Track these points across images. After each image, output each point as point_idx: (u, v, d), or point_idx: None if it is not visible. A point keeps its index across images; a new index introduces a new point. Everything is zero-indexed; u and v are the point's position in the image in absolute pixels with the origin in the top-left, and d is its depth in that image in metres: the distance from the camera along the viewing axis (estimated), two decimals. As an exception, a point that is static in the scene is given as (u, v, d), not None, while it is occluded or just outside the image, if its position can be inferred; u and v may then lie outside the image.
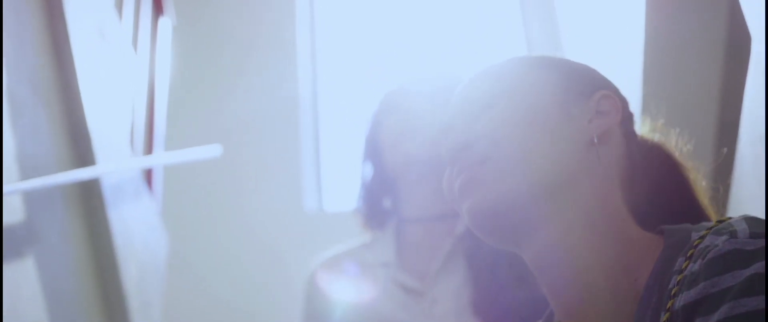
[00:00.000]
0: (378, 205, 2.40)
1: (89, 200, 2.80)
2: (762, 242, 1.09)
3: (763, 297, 1.04)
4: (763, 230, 1.11)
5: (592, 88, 1.33)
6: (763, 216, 1.34)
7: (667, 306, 1.13)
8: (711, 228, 1.16)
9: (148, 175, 3.35)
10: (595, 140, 1.28)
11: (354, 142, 4.77)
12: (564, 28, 4.86)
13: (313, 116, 4.95)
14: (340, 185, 4.95)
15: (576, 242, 1.24)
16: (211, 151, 3.44)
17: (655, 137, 1.41)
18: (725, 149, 2.19)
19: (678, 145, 1.42)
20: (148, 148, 3.31)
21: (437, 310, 2.25)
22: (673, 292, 1.13)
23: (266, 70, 4.79)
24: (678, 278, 1.14)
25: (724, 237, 1.11)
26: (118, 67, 3.09)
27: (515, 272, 2.19)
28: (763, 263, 1.06)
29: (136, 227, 3.02)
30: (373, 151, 2.38)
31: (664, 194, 1.35)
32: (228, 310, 4.41)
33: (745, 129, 2.17)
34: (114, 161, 2.90)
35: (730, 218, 1.18)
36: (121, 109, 3.09)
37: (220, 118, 4.57)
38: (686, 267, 1.13)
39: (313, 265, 2.42)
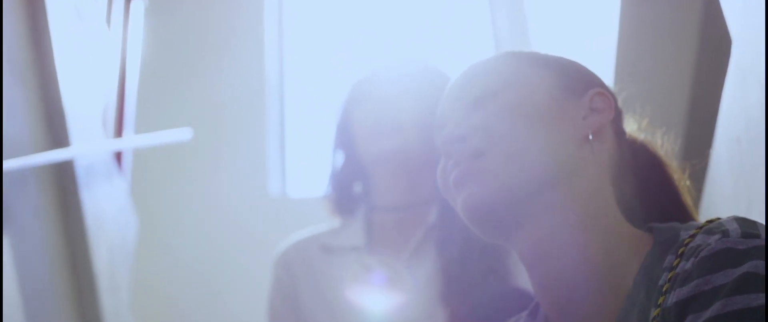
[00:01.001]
0: (348, 192, 2.39)
1: (62, 180, 2.80)
2: (754, 242, 1.12)
3: (754, 295, 1.08)
4: (754, 230, 1.15)
5: (586, 86, 1.35)
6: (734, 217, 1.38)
7: (658, 302, 1.17)
8: (701, 227, 1.19)
9: (117, 156, 3.34)
10: (590, 137, 1.30)
11: (319, 128, 4.80)
12: (532, 18, 4.90)
13: (279, 102, 4.95)
14: (304, 171, 4.96)
15: (567, 237, 1.26)
16: (181, 134, 3.44)
17: (641, 136, 1.44)
18: (710, 151, 2.23)
19: (663, 144, 1.45)
20: (119, 130, 3.30)
21: (406, 299, 2.25)
22: (664, 289, 1.17)
23: (233, 55, 4.79)
24: (669, 276, 1.17)
25: (717, 236, 1.15)
26: (93, 48, 3.09)
27: (486, 264, 2.21)
28: (755, 262, 1.10)
29: (108, 208, 3.02)
30: (344, 141, 2.37)
31: (650, 193, 1.38)
32: (192, 292, 4.41)
33: (721, 131, 2.21)
34: (87, 142, 2.89)
35: (719, 218, 1.21)
36: (96, 90, 3.09)
37: (186, 102, 4.57)
38: (677, 265, 1.17)
39: (280, 247, 2.42)
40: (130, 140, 3.14)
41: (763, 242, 1.12)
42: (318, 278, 2.34)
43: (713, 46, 2.89)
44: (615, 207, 1.30)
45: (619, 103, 1.42)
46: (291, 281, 2.35)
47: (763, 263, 1.10)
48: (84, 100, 2.95)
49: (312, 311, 2.32)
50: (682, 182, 1.43)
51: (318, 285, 2.33)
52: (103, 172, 2.99)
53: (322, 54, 5.15)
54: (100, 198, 2.96)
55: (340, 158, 2.39)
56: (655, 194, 1.39)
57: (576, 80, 1.36)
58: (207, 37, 4.76)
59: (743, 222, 1.17)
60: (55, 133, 2.75)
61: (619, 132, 1.38)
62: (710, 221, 1.21)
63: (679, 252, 1.18)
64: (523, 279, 2.23)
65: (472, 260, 2.22)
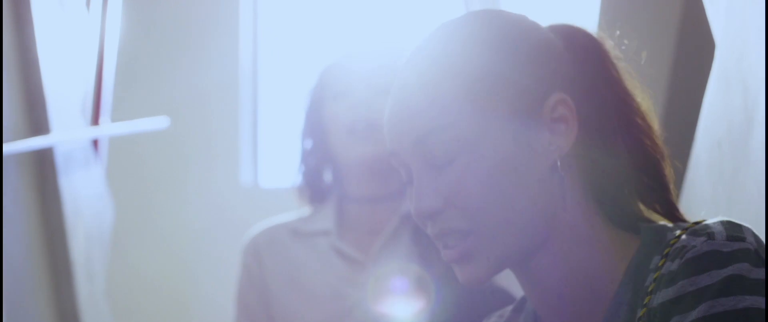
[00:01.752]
0: (318, 181, 2.41)
1: (42, 167, 2.80)
2: (739, 245, 1.14)
3: (739, 298, 1.10)
4: (739, 233, 1.16)
5: (540, 97, 1.24)
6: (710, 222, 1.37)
7: (644, 302, 1.19)
8: (687, 228, 1.20)
9: (94, 143, 3.34)
10: (558, 164, 1.23)
11: (292, 120, 4.79)
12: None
13: (252, 93, 4.95)
14: (275, 161, 4.97)
15: (555, 266, 1.26)
16: (159, 122, 3.44)
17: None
18: (690, 153, 2.26)
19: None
20: (95, 117, 3.30)
21: (380, 287, 2.27)
22: (650, 289, 1.18)
23: (208, 45, 4.79)
24: (655, 276, 1.19)
25: (702, 238, 1.16)
26: (74, 35, 3.08)
27: None
28: (740, 265, 1.12)
29: (85, 195, 3.02)
30: (316, 133, 2.37)
31: (646, 195, 1.32)
32: (164, 280, 4.41)
33: (701, 134, 2.24)
34: (67, 129, 2.89)
35: (704, 220, 1.22)
36: (76, 76, 3.08)
37: (160, 90, 4.56)
38: (663, 265, 1.18)
39: (248, 234, 2.42)
40: (108, 128, 3.13)
41: (748, 245, 1.15)
42: (287, 262, 2.35)
43: (692, 50, 2.92)
44: (596, 214, 1.27)
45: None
46: (259, 268, 2.36)
47: (747, 265, 1.12)
48: (65, 86, 2.95)
49: (282, 296, 2.33)
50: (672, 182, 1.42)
51: (288, 270, 2.34)
52: (81, 159, 2.99)
53: (297, 45, 5.15)
54: (78, 185, 2.96)
55: (310, 148, 2.40)
56: (650, 196, 1.33)
57: (527, 97, 1.24)
58: (182, 26, 4.75)
59: (728, 225, 1.18)
60: (36, 120, 2.75)
61: (593, 131, 1.27)
62: (696, 223, 1.22)
63: (665, 253, 1.19)
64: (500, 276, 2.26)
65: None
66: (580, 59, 1.28)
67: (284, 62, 5.14)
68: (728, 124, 2.11)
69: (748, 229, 1.18)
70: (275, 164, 4.93)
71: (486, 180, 1.21)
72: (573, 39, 1.30)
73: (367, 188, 2.35)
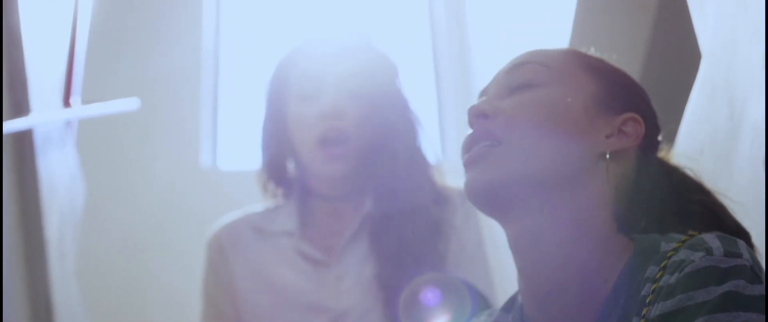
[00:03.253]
0: (282, 175, 2.39)
1: (20, 147, 2.79)
2: (736, 262, 1.19)
3: (735, 314, 1.16)
4: (736, 249, 1.22)
5: (624, 107, 1.39)
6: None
7: (642, 313, 1.23)
8: (683, 241, 1.26)
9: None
10: (607, 156, 1.35)
11: (252, 103, 4.80)
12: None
13: (213, 75, 4.95)
14: (235, 144, 4.97)
15: (556, 237, 1.32)
16: (129, 104, 3.45)
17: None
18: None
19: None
20: (66, 98, 3.29)
21: (343, 286, 2.29)
22: (648, 300, 1.23)
23: (171, 27, 4.77)
24: (653, 287, 1.23)
25: (700, 253, 1.21)
26: (54, 15, 3.08)
27: (422, 252, 2.26)
28: (737, 281, 1.17)
29: (60, 176, 3.02)
30: (278, 130, 2.36)
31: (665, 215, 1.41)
32: (123, 260, 4.40)
33: (682, 141, 2.29)
34: (45, 110, 2.89)
35: (698, 232, 1.27)
36: (55, 56, 3.08)
37: (122, 71, 4.54)
38: (660, 277, 1.23)
39: (212, 229, 2.43)
40: (80, 110, 3.13)
41: (744, 262, 1.20)
42: (252, 261, 2.35)
43: (662, 57, 2.99)
44: (610, 220, 1.35)
45: (661, 135, 1.47)
46: (225, 263, 2.36)
47: (743, 282, 1.17)
48: (44, 66, 2.94)
49: (248, 294, 2.33)
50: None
51: (253, 269, 2.34)
52: (58, 139, 2.99)
53: (259, 27, 5.15)
54: (54, 165, 2.96)
55: (272, 145, 2.37)
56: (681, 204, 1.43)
57: (618, 99, 1.40)
58: (145, 7, 4.73)
59: (725, 240, 1.23)
60: (17, 100, 2.74)
61: (647, 158, 1.42)
62: (691, 235, 1.27)
63: (662, 265, 1.24)
64: (462, 271, 2.29)
65: (408, 248, 2.26)
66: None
67: (246, 45, 5.14)
68: (712, 132, 2.16)
69: (743, 244, 1.24)
70: (235, 146, 4.94)
71: (541, 109, 1.34)
72: None
73: (330, 188, 2.36)
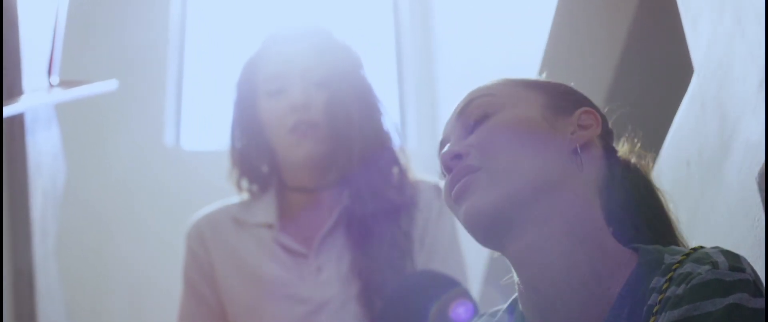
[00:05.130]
0: (256, 171, 2.45)
1: (10, 127, 2.80)
2: (740, 276, 1.28)
3: None
4: (739, 264, 1.30)
5: (574, 105, 1.50)
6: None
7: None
8: (687, 254, 1.34)
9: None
10: (578, 150, 1.44)
11: (216, 83, 4.83)
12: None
13: (179, 54, 4.96)
14: (198, 124, 5.00)
15: (555, 245, 1.39)
16: (108, 85, 3.47)
17: (632, 159, 1.59)
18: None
19: (650, 167, 1.61)
20: (49, 76, 3.29)
21: (322, 277, 2.34)
22: (655, 310, 1.31)
23: (138, 5, 4.77)
24: (660, 298, 1.31)
25: (707, 267, 1.29)
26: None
27: (399, 246, 2.32)
28: (741, 294, 1.26)
29: (45, 154, 3.03)
30: (250, 127, 2.41)
31: (639, 211, 1.52)
32: (83, 239, 4.41)
33: (668, 152, 2.36)
34: (36, 90, 2.91)
35: (702, 247, 1.37)
36: (41, 36, 3.09)
37: (86, 48, 4.53)
38: (667, 288, 1.31)
39: (191, 219, 2.47)
40: (65, 93, 3.14)
41: (747, 276, 1.28)
42: (233, 251, 2.40)
43: (634, 65, 3.08)
44: (603, 222, 1.43)
45: (610, 124, 1.57)
46: (205, 253, 2.41)
47: (747, 295, 1.26)
48: (33, 46, 2.95)
49: (229, 283, 2.38)
50: (668, 204, 1.58)
51: (233, 259, 2.39)
52: (44, 119, 3.01)
53: (225, 7, 5.17)
54: (40, 144, 2.98)
55: (245, 143, 2.43)
56: (643, 213, 1.52)
57: (565, 101, 1.50)
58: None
59: (728, 255, 1.32)
60: (9, 81, 2.75)
61: (609, 148, 1.52)
62: (694, 249, 1.36)
63: (668, 276, 1.32)
64: (438, 262, 2.34)
65: (384, 241, 2.32)
66: None
67: (212, 24, 5.16)
68: (700, 145, 2.24)
69: (745, 259, 1.32)
70: (198, 126, 4.97)
71: (506, 130, 1.43)
72: None
73: (307, 180, 2.42)
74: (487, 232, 1.42)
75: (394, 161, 2.39)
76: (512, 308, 1.52)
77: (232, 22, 5.11)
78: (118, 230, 4.51)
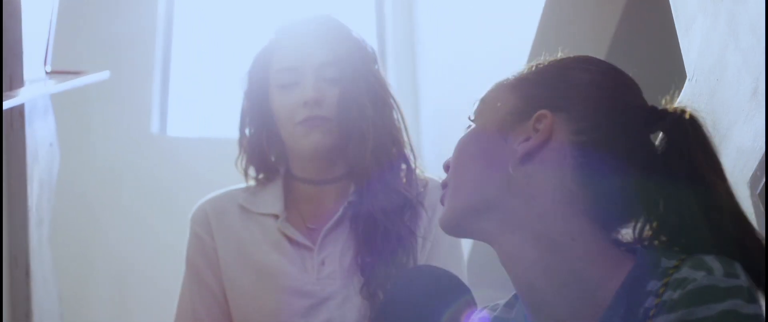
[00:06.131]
0: (265, 158, 2.43)
1: (9, 116, 2.82)
2: (734, 282, 1.30)
3: None
4: (734, 270, 1.32)
5: (533, 108, 1.47)
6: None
7: None
8: (682, 259, 1.36)
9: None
10: (519, 161, 1.44)
11: (202, 70, 4.86)
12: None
13: (166, 42, 4.98)
14: (184, 111, 5.03)
15: (526, 253, 1.43)
16: (101, 76, 3.50)
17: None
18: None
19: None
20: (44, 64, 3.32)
21: (325, 271, 2.32)
22: (651, 313, 1.33)
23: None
24: (656, 301, 1.33)
25: (702, 273, 1.29)
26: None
27: (402, 242, 2.30)
28: (735, 301, 1.28)
29: (42, 143, 3.06)
30: (261, 118, 2.40)
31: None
32: (68, 225, 4.43)
33: None
34: (33, 80, 2.93)
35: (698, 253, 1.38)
36: (42, 27, 3.11)
37: (75, 35, 4.55)
38: (663, 292, 1.33)
39: (198, 204, 2.45)
40: (59, 84, 3.17)
41: (742, 283, 1.30)
42: (237, 239, 2.39)
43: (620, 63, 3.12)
44: (581, 225, 1.41)
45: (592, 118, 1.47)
46: (210, 238, 2.39)
47: (741, 301, 1.28)
48: (31, 36, 2.98)
49: (232, 270, 2.36)
50: None
51: (238, 246, 2.38)
52: (42, 108, 3.03)
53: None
54: (37, 133, 3.00)
55: (255, 133, 2.42)
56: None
57: (532, 102, 1.47)
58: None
59: (724, 262, 1.33)
60: (10, 71, 2.77)
61: (591, 144, 1.43)
62: (690, 255, 1.37)
63: (665, 281, 1.34)
64: (440, 260, 2.31)
65: (389, 237, 2.30)
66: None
67: (198, 13, 5.18)
68: None
69: (740, 266, 1.34)
70: (183, 113, 5.00)
71: (461, 150, 1.50)
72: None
73: (315, 172, 2.41)
74: (459, 238, 1.53)
75: (404, 157, 2.40)
76: (512, 302, 1.56)
77: (218, 10, 5.14)
78: (103, 217, 4.53)
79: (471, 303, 1.98)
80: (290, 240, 2.36)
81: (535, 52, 3.26)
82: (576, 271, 1.40)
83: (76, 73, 3.34)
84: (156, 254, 4.39)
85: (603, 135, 1.43)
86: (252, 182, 2.45)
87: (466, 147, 1.50)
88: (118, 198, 4.56)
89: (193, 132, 4.82)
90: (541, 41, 3.25)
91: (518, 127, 1.46)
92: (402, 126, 2.42)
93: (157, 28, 4.89)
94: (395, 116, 2.42)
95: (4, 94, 2.66)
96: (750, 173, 2.00)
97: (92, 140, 4.59)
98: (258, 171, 2.45)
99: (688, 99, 2.31)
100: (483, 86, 1.56)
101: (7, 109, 2.77)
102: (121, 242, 4.48)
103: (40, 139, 3.03)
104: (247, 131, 2.43)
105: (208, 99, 5.08)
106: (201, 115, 4.87)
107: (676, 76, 2.47)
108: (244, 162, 2.44)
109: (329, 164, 2.39)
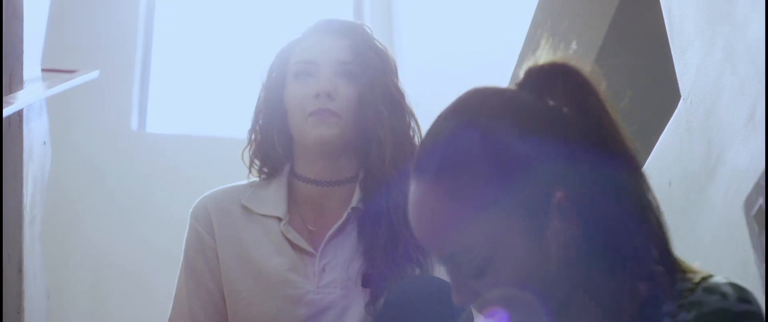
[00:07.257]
0: (272, 149, 2.42)
1: (7, 116, 2.83)
2: (747, 307, 1.34)
3: None
4: (747, 296, 1.36)
5: (547, 192, 1.39)
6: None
7: None
8: (697, 282, 1.40)
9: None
10: (561, 249, 1.39)
11: (182, 67, 4.88)
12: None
13: (146, 38, 4.99)
14: (163, 108, 5.05)
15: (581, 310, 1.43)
16: (91, 75, 3.52)
17: None
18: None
19: None
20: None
21: (326, 278, 2.32)
22: None
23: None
24: None
25: (716, 297, 1.33)
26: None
27: (407, 251, 2.30)
28: None
29: (36, 142, 3.07)
30: (274, 109, 2.40)
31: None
32: (46, 222, 4.43)
33: (650, 172, 2.47)
34: (30, 80, 2.94)
35: (711, 275, 1.42)
36: (39, 26, 3.13)
37: (55, 30, 4.55)
38: (678, 313, 1.37)
39: (198, 200, 2.43)
40: (54, 86, 3.18)
41: (754, 308, 1.35)
42: (238, 240, 2.37)
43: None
44: (588, 269, 1.41)
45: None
46: (211, 237, 2.38)
47: None
48: (33, 36, 2.99)
49: (230, 266, 2.35)
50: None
51: (238, 243, 2.36)
52: (37, 106, 3.05)
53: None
54: (33, 131, 3.01)
55: (265, 124, 2.42)
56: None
57: (533, 196, 1.39)
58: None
59: (737, 287, 1.38)
60: (9, 71, 2.78)
61: (596, 197, 1.41)
62: (704, 278, 1.41)
63: (680, 303, 1.38)
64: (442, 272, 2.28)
65: (392, 245, 2.30)
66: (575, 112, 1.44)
67: (179, 9, 5.20)
68: (684, 169, 2.34)
69: (751, 292, 1.39)
70: (163, 110, 5.02)
71: (514, 276, 1.38)
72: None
73: (319, 172, 2.40)
74: None
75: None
76: None
77: (199, 8, 5.16)
78: (82, 213, 4.54)
79: (472, 317, 1.97)
80: (292, 244, 2.35)
81: (524, 53, 3.29)
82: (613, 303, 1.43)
83: (69, 72, 3.35)
84: (135, 251, 4.42)
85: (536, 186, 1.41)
86: (254, 176, 2.45)
87: (516, 276, 1.39)
88: (97, 194, 4.57)
89: (172, 129, 4.84)
90: (532, 38, 3.28)
91: (543, 221, 1.41)
92: (417, 136, 2.42)
93: (138, 25, 4.91)
94: (412, 125, 2.43)
95: (5, 98, 2.67)
96: (745, 195, 2.05)
97: (72, 136, 4.58)
98: (263, 164, 2.44)
99: (682, 118, 2.38)
100: (460, 88, 1.49)
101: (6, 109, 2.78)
102: (100, 238, 4.50)
103: (36, 137, 3.04)
104: (259, 122, 2.43)
105: (188, 96, 5.11)
106: (181, 113, 4.89)
107: (667, 76, 2.52)
108: (250, 153, 2.44)
109: (334, 164, 2.39)
